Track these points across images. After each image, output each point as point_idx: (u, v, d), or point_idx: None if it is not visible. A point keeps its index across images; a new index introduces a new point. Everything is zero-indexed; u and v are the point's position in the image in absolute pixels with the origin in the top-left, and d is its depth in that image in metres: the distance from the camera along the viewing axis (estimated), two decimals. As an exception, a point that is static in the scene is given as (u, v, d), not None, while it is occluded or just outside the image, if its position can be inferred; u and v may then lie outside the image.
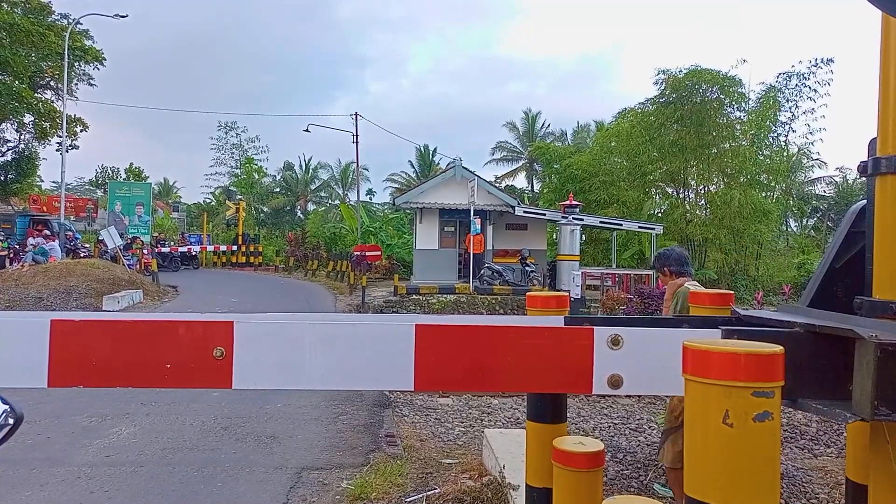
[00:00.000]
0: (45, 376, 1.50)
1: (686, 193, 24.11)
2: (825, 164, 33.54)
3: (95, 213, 37.69)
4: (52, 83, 29.27)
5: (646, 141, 23.00)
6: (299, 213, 44.99)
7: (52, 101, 28.89)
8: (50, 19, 27.26)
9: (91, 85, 30.38)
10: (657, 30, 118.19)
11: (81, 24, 27.79)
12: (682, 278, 4.03)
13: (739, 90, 22.27)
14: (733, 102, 22.34)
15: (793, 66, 26.82)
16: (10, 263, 20.03)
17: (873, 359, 1.31)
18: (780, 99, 23.33)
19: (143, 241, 26.83)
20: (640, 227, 20.67)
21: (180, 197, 55.14)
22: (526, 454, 2.94)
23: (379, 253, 23.61)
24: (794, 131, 24.56)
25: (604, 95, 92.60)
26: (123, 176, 47.29)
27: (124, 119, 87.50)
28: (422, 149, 44.19)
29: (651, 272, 17.89)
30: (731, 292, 2.67)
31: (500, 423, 6.21)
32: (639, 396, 6.77)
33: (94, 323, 1.54)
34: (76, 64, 28.57)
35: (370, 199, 44.04)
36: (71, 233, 25.41)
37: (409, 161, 45.57)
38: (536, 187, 39.96)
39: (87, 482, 4.50)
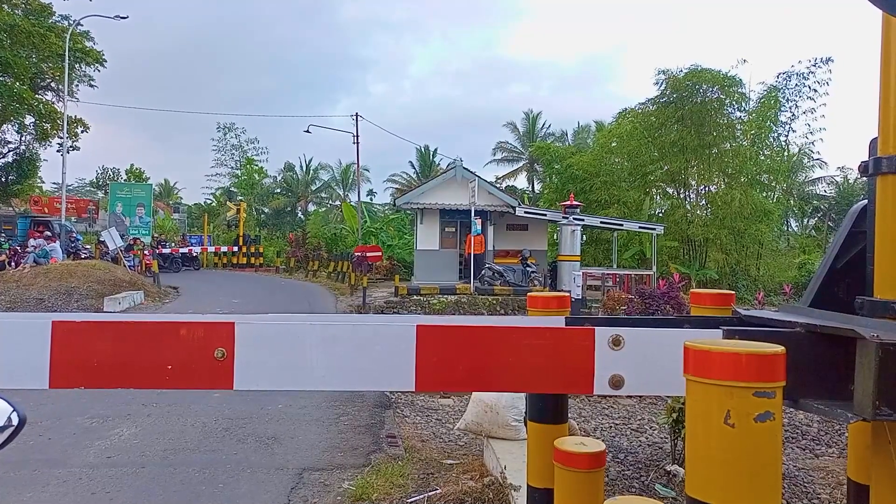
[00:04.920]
0: (46, 377, 1.50)
1: (687, 193, 24.09)
2: (826, 163, 33.73)
3: (97, 215, 37.72)
4: (52, 84, 29.25)
5: (646, 141, 22.99)
6: (300, 214, 44.97)
7: (53, 103, 28.88)
8: (51, 21, 27.25)
9: (92, 86, 30.37)
10: (658, 30, 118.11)
11: (82, 25, 27.80)
12: None
13: (740, 90, 22.26)
14: (733, 102, 22.32)
15: (792, 65, 26.91)
16: (11, 265, 20.05)
17: (875, 359, 1.31)
18: (780, 99, 23.33)
19: (143, 243, 26.82)
20: (640, 228, 20.64)
21: (181, 198, 55.25)
22: (527, 455, 2.95)
23: (380, 253, 23.58)
24: (794, 131, 24.60)
25: (604, 96, 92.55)
26: (124, 177, 47.35)
27: (125, 120, 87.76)
28: (422, 149, 44.20)
29: (652, 272, 17.90)
30: (732, 292, 2.67)
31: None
32: (640, 397, 6.76)
33: (96, 324, 1.54)
34: (77, 65, 28.55)
35: (371, 199, 44.10)
36: (72, 234, 25.44)
37: (410, 162, 45.61)
38: (537, 188, 39.95)
39: (88, 483, 4.50)
